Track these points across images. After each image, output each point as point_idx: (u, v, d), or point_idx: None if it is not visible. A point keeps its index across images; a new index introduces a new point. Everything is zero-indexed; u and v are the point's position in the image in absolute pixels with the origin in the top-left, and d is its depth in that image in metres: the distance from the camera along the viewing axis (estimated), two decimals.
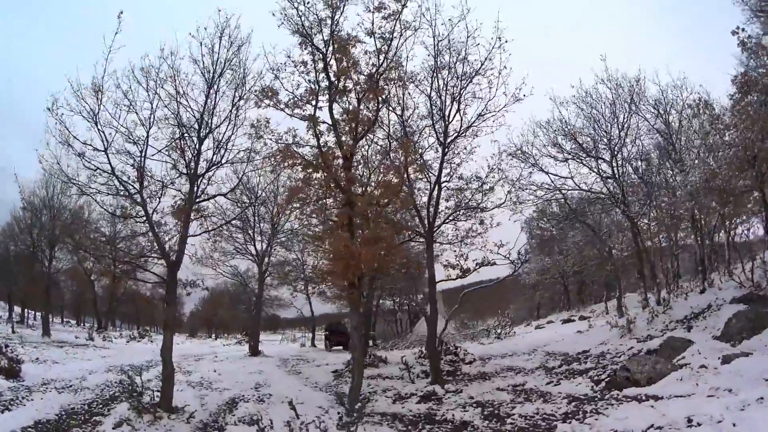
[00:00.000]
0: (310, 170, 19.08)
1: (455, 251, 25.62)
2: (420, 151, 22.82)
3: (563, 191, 32.06)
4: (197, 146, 19.19)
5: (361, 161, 20.92)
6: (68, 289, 70.52)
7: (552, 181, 31.27)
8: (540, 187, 31.27)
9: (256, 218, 40.61)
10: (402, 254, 21.77)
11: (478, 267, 24.56)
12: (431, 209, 23.75)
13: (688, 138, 29.53)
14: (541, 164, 31.00)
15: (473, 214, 25.82)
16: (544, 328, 44.22)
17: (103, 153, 17.71)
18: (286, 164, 19.23)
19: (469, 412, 17.08)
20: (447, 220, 25.61)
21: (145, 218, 18.61)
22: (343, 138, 19.63)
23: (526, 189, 30.18)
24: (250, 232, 40.78)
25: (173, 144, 19.15)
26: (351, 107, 20.07)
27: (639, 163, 30.83)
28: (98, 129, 17.55)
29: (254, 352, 39.25)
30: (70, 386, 21.36)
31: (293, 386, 24.27)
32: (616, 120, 30.02)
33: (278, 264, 43.66)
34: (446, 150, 23.63)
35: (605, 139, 30.22)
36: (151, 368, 27.91)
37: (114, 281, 49.41)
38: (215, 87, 19.30)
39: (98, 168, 17.95)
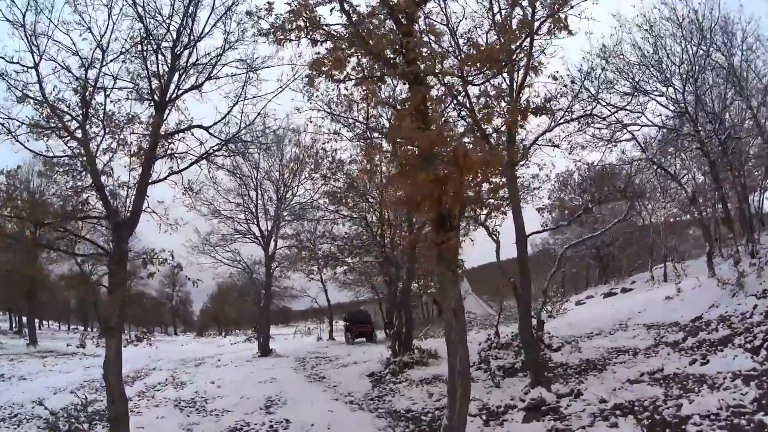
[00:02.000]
0: (343, 47, 10.16)
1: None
2: None
3: (631, 130, 25.09)
4: (169, 62, 13.12)
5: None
6: (72, 295, 62.84)
7: (618, 119, 24.04)
8: (607, 126, 23.99)
9: (259, 192, 32.41)
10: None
11: (593, 206, 19.44)
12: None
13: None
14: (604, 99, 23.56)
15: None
16: (585, 303, 39.20)
17: (33, 70, 12.00)
18: (299, 33, 10.17)
19: (621, 427, 11.03)
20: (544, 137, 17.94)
21: (85, 162, 12.32)
22: None
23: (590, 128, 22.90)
24: (252, 208, 32.57)
25: (133, 53, 12.98)
26: None
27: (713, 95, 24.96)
28: (27, 36, 11.83)
29: (264, 351, 30.92)
30: (15, 416, 16.06)
31: (320, 402, 16.42)
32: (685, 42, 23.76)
33: (290, 237, 35.37)
34: (534, 34, 14.44)
35: (674, 65, 24.10)
36: (137, 381, 22.23)
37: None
38: None
39: (26, 96, 12.12)
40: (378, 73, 10.05)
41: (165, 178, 13.25)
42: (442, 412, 13.60)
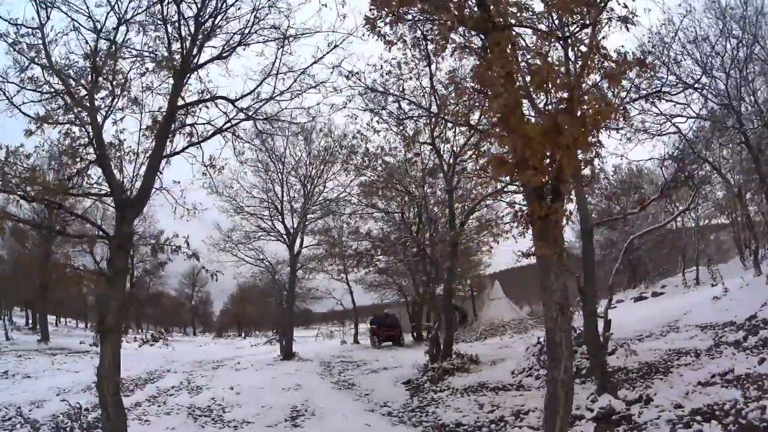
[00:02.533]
0: None
1: None
2: None
3: (676, 123, 23.11)
4: (191, 31, 11.56)
5: None
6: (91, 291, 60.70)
7: (660, 111, 22.34)
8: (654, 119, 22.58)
9: (284, 187, 30.62)
10: None
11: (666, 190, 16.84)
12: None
13: None
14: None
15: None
16: (615, 307, 36.11)
17: (38, 32, 10.66)
18: None
19: None
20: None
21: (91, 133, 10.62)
22: None
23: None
24: (277, 204, 30.72)
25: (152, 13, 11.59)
26: None
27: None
28: None
29: (287, 354, 28.86)
30: (9, 419, 14.23)
31: (353, 414, 14.17)
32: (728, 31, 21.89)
33: (318, 232, 33.53)
34: None
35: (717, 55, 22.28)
36: (149, 383, 20.38)
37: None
38: None
39: (31, 60, 10.77)
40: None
41: (182, 150, 11.48)
42: (499, 426, 11.90)
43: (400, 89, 18.00)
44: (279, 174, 29.95)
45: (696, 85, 22.00)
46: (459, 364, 18.27)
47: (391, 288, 42.92)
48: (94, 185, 10.76)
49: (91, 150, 10.54)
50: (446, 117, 16.83)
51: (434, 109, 18.42)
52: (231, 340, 59.48)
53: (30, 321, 49.75)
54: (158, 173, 10.57)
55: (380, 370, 22.13)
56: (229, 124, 12.08)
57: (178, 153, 11.33)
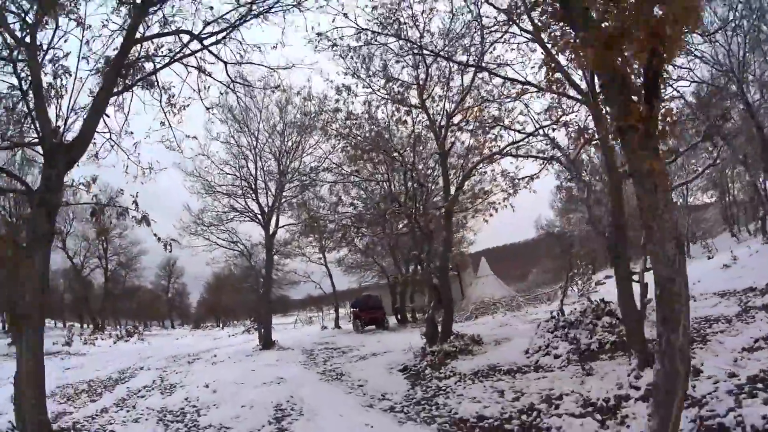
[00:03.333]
0: None
1: None
2: None
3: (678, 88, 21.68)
4: None
5: None
6: (67, 289, 59.24)
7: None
8: None
9: (259, 163, 28.11)
10: None
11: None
12: None
13: None
14: None
15: None
16: (605, 284, 35.03)
17: None
18: None
19: None
20: None
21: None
22: None
23: None
24: (251, 182, 28.08)
25: None
26: None
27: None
28: None
29: (266, 343, 26.43)
30: None
31: (348, 411, 11.58)
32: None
33: (297, 207, 30.85)
34: None
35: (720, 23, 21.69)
36: (119, 384, 18.25)
37: None
38: None
39: None
40: None
41: (136, 83, 9.50)
42: (531, 416, 9.45)
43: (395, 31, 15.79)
44: (252, 150, 27.61)
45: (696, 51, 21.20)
46: (461, 346, 16.05)
47: (372, 269, 41.08)
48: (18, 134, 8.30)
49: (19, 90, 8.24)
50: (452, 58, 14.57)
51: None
52: (209, 331, 57.26)
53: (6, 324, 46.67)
54: (104, 116, 8.11)
55: (369, 356, 19.89)
56: (189, 52, 9.67)
57: (130, 87, 9.16)
